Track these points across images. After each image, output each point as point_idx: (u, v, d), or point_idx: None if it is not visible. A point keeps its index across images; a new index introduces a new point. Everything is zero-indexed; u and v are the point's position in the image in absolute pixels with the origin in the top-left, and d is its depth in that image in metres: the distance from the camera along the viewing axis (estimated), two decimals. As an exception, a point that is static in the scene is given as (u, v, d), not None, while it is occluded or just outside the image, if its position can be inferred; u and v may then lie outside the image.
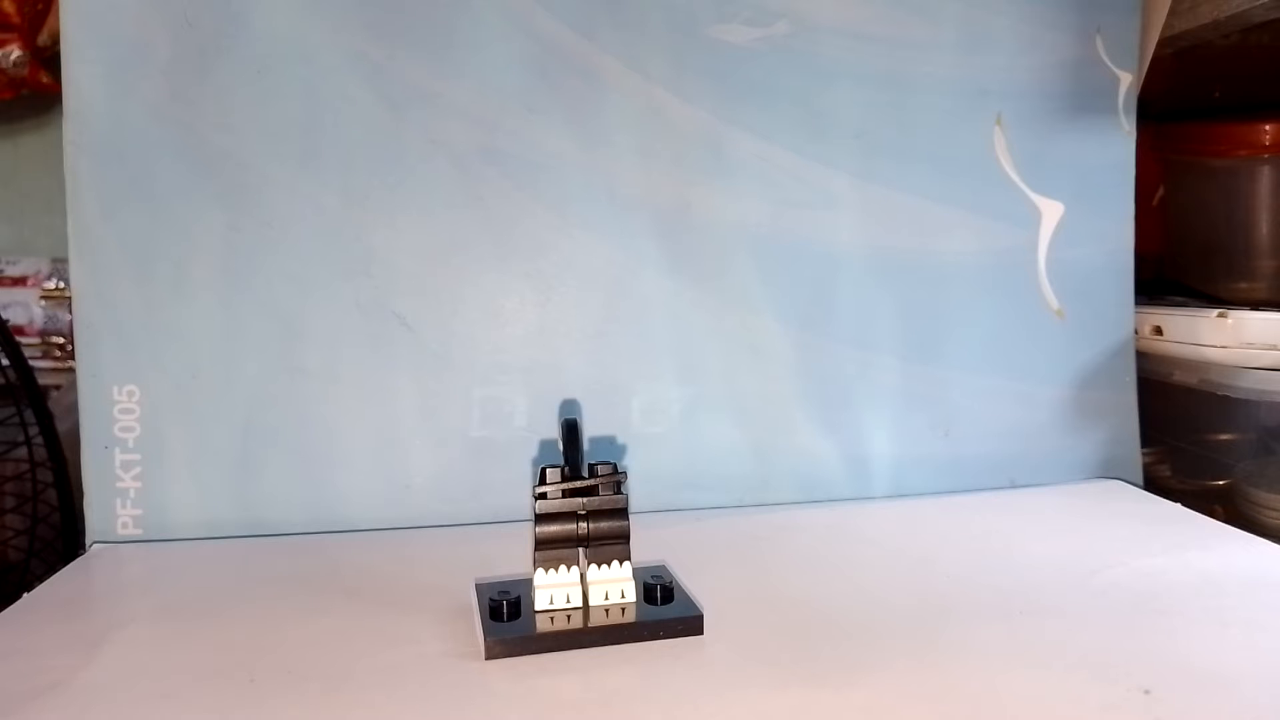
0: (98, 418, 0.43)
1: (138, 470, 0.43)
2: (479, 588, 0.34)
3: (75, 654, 0.31)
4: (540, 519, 0.32)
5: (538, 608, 0.32)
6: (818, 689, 0.28)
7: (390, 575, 0.38)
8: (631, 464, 0.46)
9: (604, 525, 0.33)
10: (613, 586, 0.33)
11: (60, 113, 0.42)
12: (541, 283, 0.46)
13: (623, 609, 0.32)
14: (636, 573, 0.33)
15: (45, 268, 0.76)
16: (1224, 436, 0.52)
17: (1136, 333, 0.53)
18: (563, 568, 0.32)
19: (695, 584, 0.35)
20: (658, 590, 0.33)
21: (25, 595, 0.36)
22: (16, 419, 0.53)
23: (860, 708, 0.27)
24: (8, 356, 0.53)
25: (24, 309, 0.75)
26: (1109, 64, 0.52)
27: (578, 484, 0.33)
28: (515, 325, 0.46)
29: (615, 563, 0.33)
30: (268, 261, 0.44)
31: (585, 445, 0.38)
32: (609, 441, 0.47)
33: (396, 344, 0.45)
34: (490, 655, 0.30)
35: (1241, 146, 0.55)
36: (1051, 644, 0.31)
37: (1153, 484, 0.52)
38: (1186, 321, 0.51)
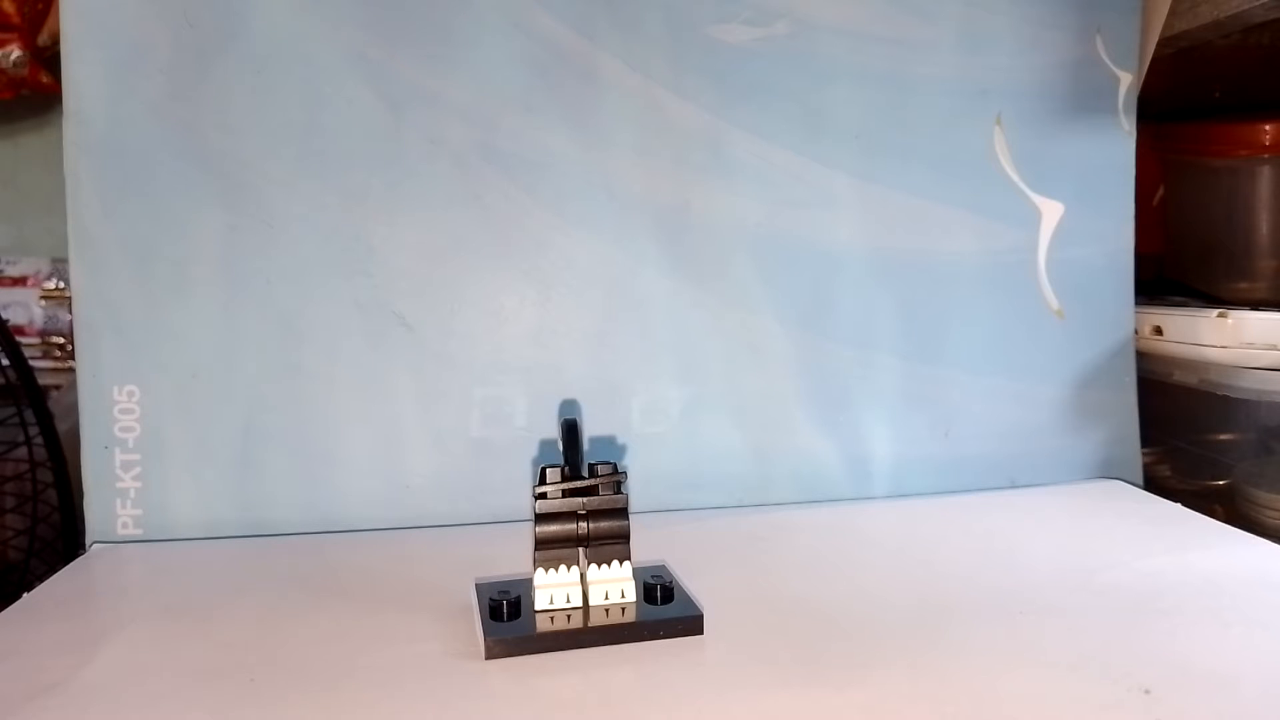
0: (98, 418, 0.43)
1: (138, 470, 0.43)
2: (479, 587, 0.34)
3: (75, 654, 0.31)
4: (540, 519, 0.32)
5: (538, 607, 0.32)
6: (818, 689, 0.28)
7: (390, 575, 0.38)
8: (631, 464, 0.46)
9: (604, 525, 0.33)
10: (613, 586, 0.33)
11: (60, 113, 0.42)
12: (541, 282, 0.46)
13: (623, 609, 0.32)
14: (636, 572, 0.33)
15: (45, 268, 0.76)
16: (1224, 436, 0.52)
17: (1136, 333, 0.53)
18: (563, 567, 0.32)
19: (695, 584, 0.35)
20: (658, 590, 0.33)
21: (25, 595, 0.36)
22: (16, 419, 0.53)
23: (860, 707, 0.27)
24: (8, 356, 0.53)
25: (24, 309, 0.75)
26: (1109, 64, 0.52)
27: (578, 484, 0.33)
28: (515, 325, 0.46)
29: (615, 562, 0.33)
30: (267, 261, 0.44)
31: (585, 445, 0.38)
32: (609, 441, 0.47)
33: (396, 343, 0.45)
34: (490, 655, 0.30)
35: (1241, 146, 0.55)
36: (1052, 644, 0.31)
37: (1153, 484, 0.52)
38: (1186, 321, 0.51)
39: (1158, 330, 0.52)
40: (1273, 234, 0.55)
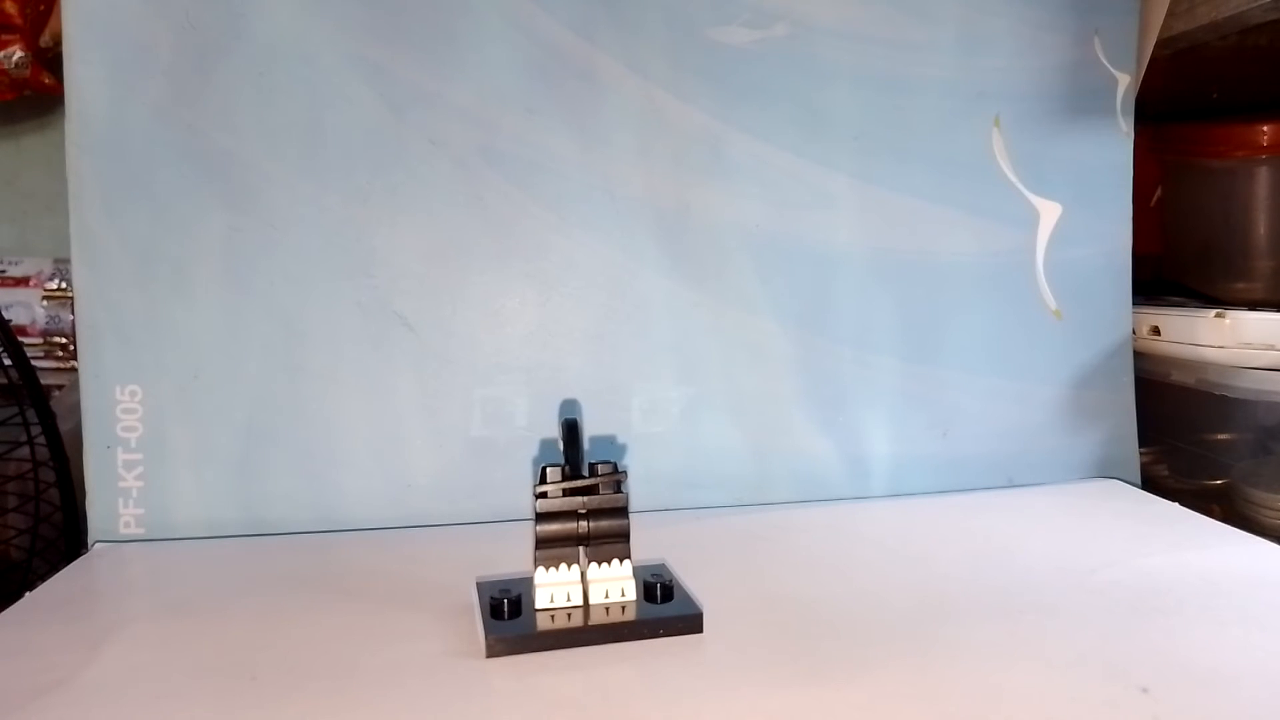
0: (100, 417, 0.43)
1: (140, 470, 0.43)
2: (480, 586, 0.34)
3: (78, 653, 0.31)
4: (541, 518, 0.33)
5: (538, 606, 0.32)
6: (817, 687, 0.28)
7: (391, 574, 0.38)
8: (631, 464, 0.46)
9: (604, 524, 0.33)
10: (613, 585, 0.33)
11: (62, 114, 0.43)
12: (542, 283, 0.47)
13: (623, 607, 0.33)
14: (636, 571, 0.33)
15: (48, 268, 0.76)
16: (1221, 436, 0.52)
17: (1134, 333, 0.53)
18: (563, 566, 0.33)
19: (695, 582, 0.35)
20: (658, 589, 0.33)
21: (27, 594, 0.36)
22: (19, 419, 0.53)
23: (859, 705, 0.27)
24: (10, 357, 0.53)
25: (26, 309, 0.75)
26: (1107, 65, 0.52)
27: (578, 483, 0.33)
28: (516, 325, 0.46)
29: (615, 561, 0.33)
30: (269, 262, 0.44)
31: (585, 445, 0.38)
32: (609, 441, 0.47)
33: (398, 344, 0.45)
34: (491, 653, 0.31)
35: (1239, 147, 0.55)
36: (1050, 643, 0.32)
37: (1150, 483, 0.52)
38: (1184, 321, 0.51)
39: (1155, 330, 0.53)
40: (1270, 234, 0.55)
